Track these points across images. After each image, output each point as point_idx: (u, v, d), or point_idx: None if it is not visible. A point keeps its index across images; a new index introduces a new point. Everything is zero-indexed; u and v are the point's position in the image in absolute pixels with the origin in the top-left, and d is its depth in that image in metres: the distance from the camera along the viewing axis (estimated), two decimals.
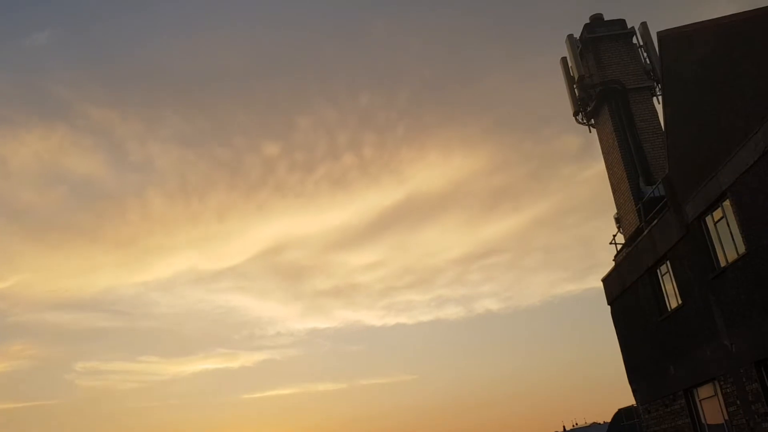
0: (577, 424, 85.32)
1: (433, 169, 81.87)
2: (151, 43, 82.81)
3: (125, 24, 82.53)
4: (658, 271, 19.73)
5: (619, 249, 23.18)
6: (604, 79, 23.18)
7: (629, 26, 24.12)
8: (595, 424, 78.90)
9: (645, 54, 23.68)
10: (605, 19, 24.48)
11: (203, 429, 79.00)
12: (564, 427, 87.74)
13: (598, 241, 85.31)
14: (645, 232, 20.10)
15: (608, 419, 79.12)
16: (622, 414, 39.28)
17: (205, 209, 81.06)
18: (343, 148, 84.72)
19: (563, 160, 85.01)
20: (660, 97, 23.22)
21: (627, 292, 21.71)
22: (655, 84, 23.21)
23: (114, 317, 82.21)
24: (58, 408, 74.94)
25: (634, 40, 24.02)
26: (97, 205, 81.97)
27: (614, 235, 23.47)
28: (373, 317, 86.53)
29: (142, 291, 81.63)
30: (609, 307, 23.37)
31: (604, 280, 23.49)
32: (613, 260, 23.38)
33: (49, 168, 78.50)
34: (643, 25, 23.88)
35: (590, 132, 24.36)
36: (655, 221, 19.42)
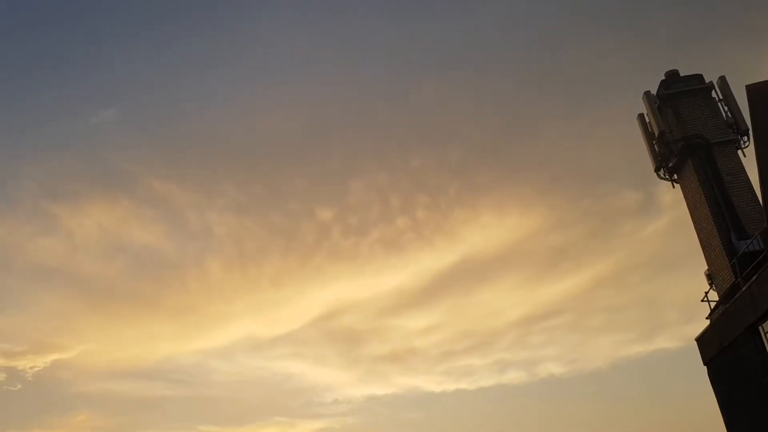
0: None
1: (487, 230, 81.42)
2: (208, 115, 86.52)
3: (184, 98, 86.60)
4: (760, 328, 18.99)
5: (713, 307, 22.47)
6: (686, 134, 23.02)
7: (707, 81, 24.05)
8: None
9: (725, 108, 23.48)
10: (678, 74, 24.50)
11: None
12: None
13: (663, 300, 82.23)
14: (743, 289, 19.48)
15: None
16: None
17: (262, 275, 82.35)
18: (396, 211, 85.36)
19: (623, 217, 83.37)
20: (745, 150, 22.93)
21: (726, 351, 20.88)
22: (740, 137, 22.91)
23: (174, 386, 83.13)
24: None
25: (713, 94, 23.89)
26: (158, 274, 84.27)
27: (706, 293, 22.81)
28: (431, 383, 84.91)
29: (201, 359, 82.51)
30: (705, 367, 22.51)
31: (699, 340, 22.71)
32: (707, 318, 22.65)
33: (112, 239, 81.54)
34: (722, 79, 23.77)
35: (673, 188, 24.09)
36: (754, 276, 18.83)
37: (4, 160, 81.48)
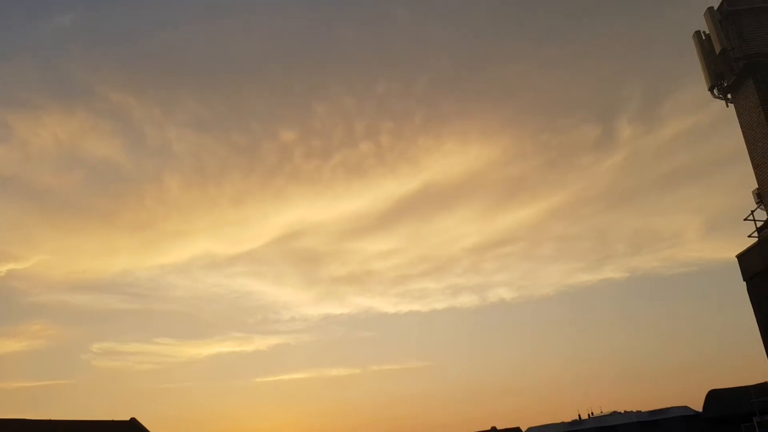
0: (592, 413, 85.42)
1: (449, 159, 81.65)
2: (170, 27, 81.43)
3: (145, 9, 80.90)
4: None
5: (760, 225, 23.07)
6: (748, 52, 22.94)
7: None
8: (615, 413, 79.18)
9: None
10: None
11: (218, 410, 78.46)
12: (579, 415, 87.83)
13: (613, 233, 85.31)
14: None
15: (628, 408, 79.46)
16: (715, 396, 39.55)
17: (222, 194, 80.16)
18: (359, 136, 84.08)
19: (581, 151, 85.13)
20: None
21: None
22: None
23: (131, 299, 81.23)
24: (74, 387, 73.82)
25: None
26: (115, 189, 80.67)
27: (753, 211, 23.33)
28: (386, 304, 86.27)
29: (159, 274, 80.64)
30: (745, 283, 23.25)
31: (740, 257, 23.37)
32: (752, 236, 23.25)
33: (68, 151, 77.00)
34: None
35: (727, 107, 24.15)
36: None
37: None
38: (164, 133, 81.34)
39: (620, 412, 79.14)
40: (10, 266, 70.57)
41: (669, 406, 63.28)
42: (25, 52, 78.15)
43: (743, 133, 23.54)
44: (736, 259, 23.53)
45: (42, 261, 73.65)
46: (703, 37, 24.48)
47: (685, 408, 58.15)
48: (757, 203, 23.21)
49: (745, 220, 23.63)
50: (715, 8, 24.05)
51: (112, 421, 35.88)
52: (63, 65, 78.06)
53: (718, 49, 23.58)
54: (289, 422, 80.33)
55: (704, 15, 24.02)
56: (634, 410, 79.22)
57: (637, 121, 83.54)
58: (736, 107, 23.87)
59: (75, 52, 78.70)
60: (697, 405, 50.90)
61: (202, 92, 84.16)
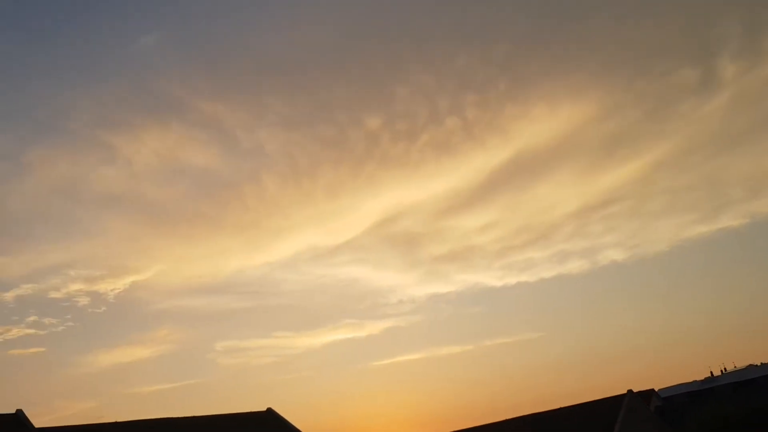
0: (725, 369, 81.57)
1: (539, 123, 79.33)
2: (248, 33, 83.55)
3: (221, 18, 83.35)
4: None
5: None
6: None
7: None
8: (751, 366, 75.30)
9: None
10: None
11: (340, 396, 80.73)
12: (711, 372, 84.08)
13: (727, 178, 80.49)
14: None
15: (766, 360, 75.18)
16: None
17: (316, 188, 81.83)
18: (444, 113, 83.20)
19: (681, 96, 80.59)
20: None
21: None
22: None
23: (245, 298, 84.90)
24: (204, 386, 77.86)
25: None
26: (217, 194, 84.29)
27: None
28: (492, 278, 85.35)
29: (268, 271, 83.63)
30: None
31: None
32: None
33: (169, 164, 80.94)
34: None
35: None
36: None
37: (58, 93, 79.88)
38: (255, 136, 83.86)
39: (756, 365, 74.99)
40: (132, 278, 74.97)
41: None
42: (118, 75, 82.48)
43: None
44: None
45: (160, 270, 77.71)
46: None
47: None
48: None
49: None
50: None
51: (251, 413, 37.14)
52: (154, 83, 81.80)
53: None
54: (410, 402, 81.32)
55: None
56: None
57: (739, 58, 78.24)
58: None
59: (163, 68, 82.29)
60: None
61: (286, 91, 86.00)
